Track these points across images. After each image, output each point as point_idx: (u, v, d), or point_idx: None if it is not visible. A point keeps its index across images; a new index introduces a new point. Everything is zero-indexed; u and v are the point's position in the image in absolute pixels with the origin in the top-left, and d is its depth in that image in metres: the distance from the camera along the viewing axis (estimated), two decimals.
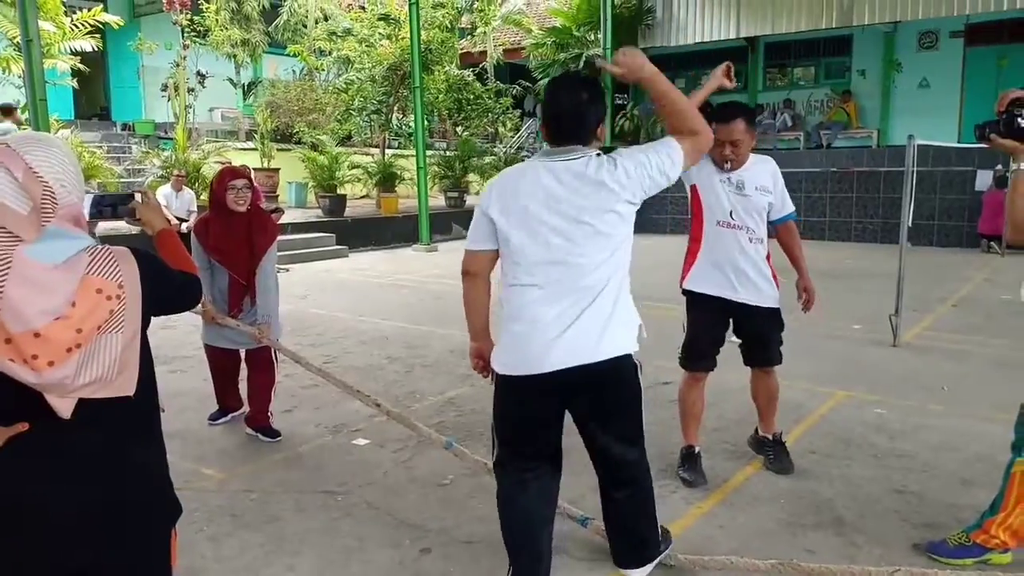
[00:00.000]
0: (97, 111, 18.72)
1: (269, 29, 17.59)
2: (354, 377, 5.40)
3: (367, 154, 15.36)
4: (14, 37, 12.71)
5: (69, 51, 13.19)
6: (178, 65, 15.04)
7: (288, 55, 17.45)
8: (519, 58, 19.30)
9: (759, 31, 17.26)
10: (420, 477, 3.75)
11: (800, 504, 3.37)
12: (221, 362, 4.41)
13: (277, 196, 14.35)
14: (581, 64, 17.32)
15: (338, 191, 13.37)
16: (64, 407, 1.47)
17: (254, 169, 14.00)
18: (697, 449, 3.65)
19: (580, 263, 2.35)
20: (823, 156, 15.97)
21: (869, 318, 6.82)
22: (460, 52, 18.20)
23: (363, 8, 16.74)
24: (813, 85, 18.36)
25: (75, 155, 1.66)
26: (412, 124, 14.28)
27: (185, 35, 15.28)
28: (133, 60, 17.29)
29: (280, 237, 11.13)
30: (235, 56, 16.57)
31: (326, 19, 17.02)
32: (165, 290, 1.69)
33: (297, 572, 2.90)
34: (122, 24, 14.61)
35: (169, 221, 2.13)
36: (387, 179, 14.01)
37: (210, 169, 11.39)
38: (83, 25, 13.09)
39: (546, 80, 17.87)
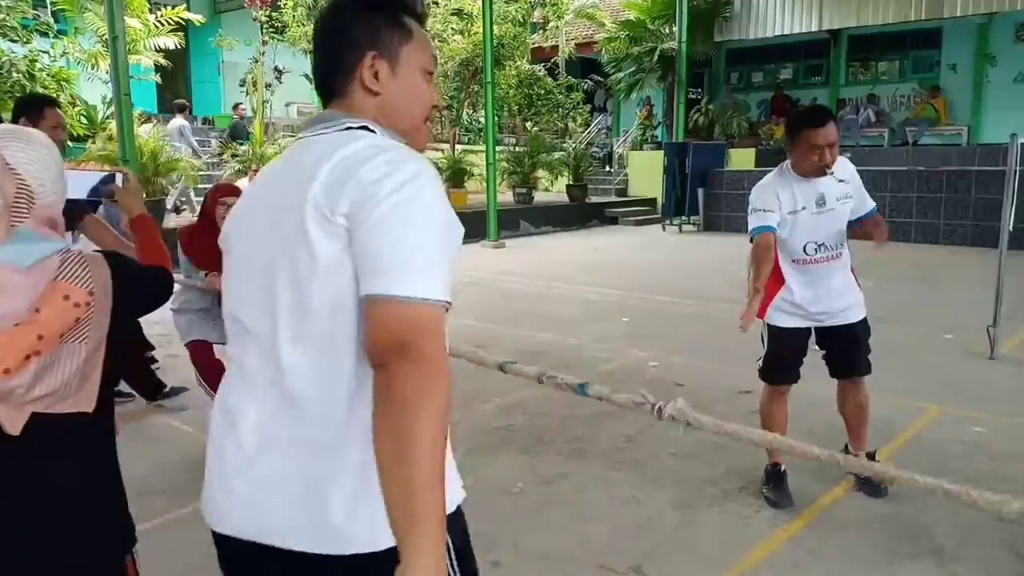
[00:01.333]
0: (180, 106, 19.31)
1: None
2: None
3: (437, 149, 15.40)
4: (103, 34, 13.21)
5: (153, 47, 13.61)
6: (256, 61, 15.35)
7: None
8: (591, 52, 19.08)
9: (842, 23, 16.64)
10: (487, 484, 3.65)
11: (895, 530, 3.15)
12: (210, 355, 4.04)
13: None
14: (655, 59, 17.02)
15: None
16: (14, 421, 1.32)
17: None
18: (783, 467, 3.45)
19: (274, 338, 1.23)
20: (909, 154, 15.28)
21: (962, 327, 6.42)
22: (532, 47, 18.09)
23: (436, 3, 16.78)
24: (899, 79, 17.61)
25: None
26: (483, 119, 14.25)
27: (264, 31, 15.59)
28: (214, 56, 17.77)
29: None
30: (311, 52, 16.81)
31: None
32: (139, 295, 1.59)
33: None
34: (203, 22, 15.01)
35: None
36: (456, 175, 14.00)
37: None
38: (166, 22, 13.48)
39: (616, 74, 17.63)
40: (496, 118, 19.31)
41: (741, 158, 15.96)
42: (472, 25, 14.48)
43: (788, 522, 3.22)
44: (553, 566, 2.93)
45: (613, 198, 17.65)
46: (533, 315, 7.34)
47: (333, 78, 1.34)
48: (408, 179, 1.16)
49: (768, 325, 3.46)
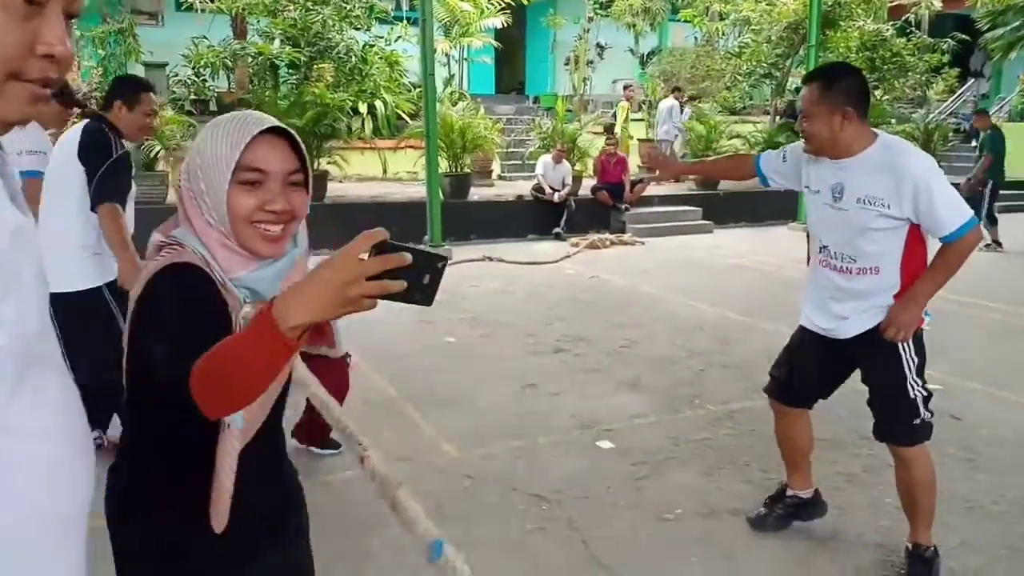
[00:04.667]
0: (516, 86, 20.51)
1: None
2: (640, 368, 4.91)
3: (756, 122, 14.24)
4: (443, 19, 14.42)
5: (487, 29, 14.49)
6: (580, 38, 15.60)
7: (680, 21, 16.97)
8: (963, 7, 16.06)
9: None
10: (644, 502, 3.16)
11: None
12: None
13: None
14: None
15: None
16: None
17: (639, 140, 13.98)
18: (793, 492, 2.90)
19: None
20: None
21: None
22: (890, 5, 15.74)
23: None
24: None
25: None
26: None
27: (589, 7, 15.76)
28: (546, 36, 18.47)
29: (642, 209, 10.93)
30: (634, 26, 16.61)
31: None
32: None
33: None
34: (532, 0, 15.59)
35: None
36: (772, 149, 12.78)
37: (584, 140, 11.57)
38: (498, 2, 14.25)
39: (993, 31, 14.63)
40: None
41: None
42: None
43: None
44: None
45: None
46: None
47: None
48: None
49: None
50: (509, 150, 12.92)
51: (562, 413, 4.16)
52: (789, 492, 2.90)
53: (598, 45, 16.24)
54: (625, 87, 13.99)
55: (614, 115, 13.13)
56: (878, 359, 2.51)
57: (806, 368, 2.72)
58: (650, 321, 6.08)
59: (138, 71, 11.94)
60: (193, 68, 10.85)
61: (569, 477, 3.38)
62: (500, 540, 2.89)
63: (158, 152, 8.39)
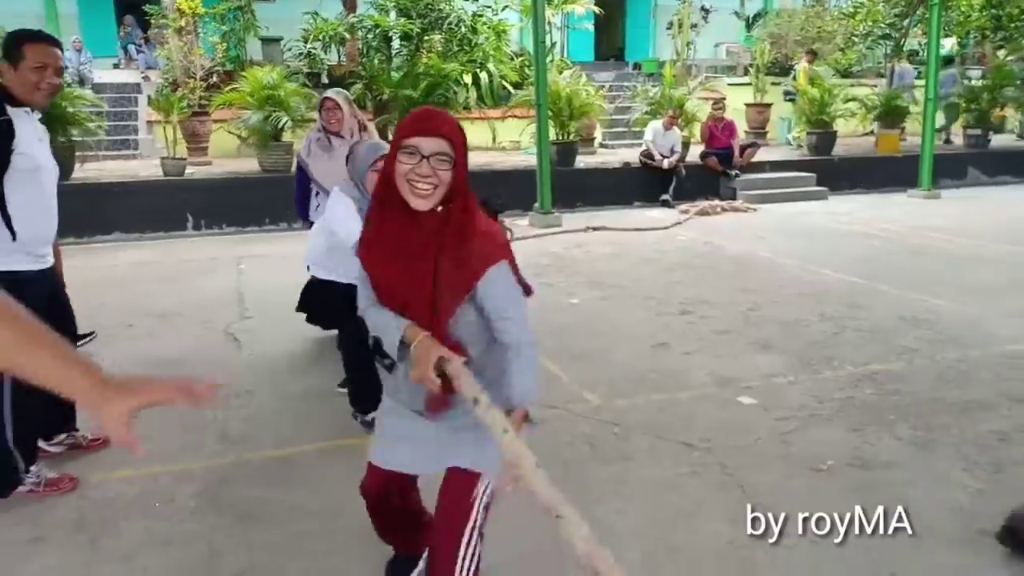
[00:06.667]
0: (615, 52, 20.28)
1: None
2: (770, 330, 4.94)
3: (871, 85, 13.67)
4: None
5: None
6: (684, 2, 15.28)
7: None
8: None
9: None
10: (795, 454, 3.24)
11: None
12: (382, 489, 2.07)
13: (766, 132, 13.77)
14: None
15: (832, 127, 12.17)
16: None
17: (746, 105, 13.64)
18: None
19: None
20: None
21: None
22: None
23: None
24: None
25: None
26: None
27: None
28: (648, 1, 18.19)
29: (753, 175, 10.74)
30: None
31: None
32: None
33: (624, 518, 2.76)
34: None
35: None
36: (889, 113, 12.28)
37: (693, 105, 11.40)
38: None
39: None
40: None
41: None
42: None
43: None
44: (829, 554, 2.49)
45: None
46: (937, 278, 6.19)
47: None
48: None
49: None
50: (611, 117, 12.87)
51: (698, 371, 4.25)
52: None
53: (702, 8, 15.86)
54: (808, 51, 13.63)
55: (794, 77, 12.94)
56: None
57: None
58: (773, 286, 6.05)
59: (255, 46, 12.50)
60: (307, 42, 11.24)
61: (715, 428, 3.49)
62: (656, 481, 3.04)
63: (285, 123, 8.79)
